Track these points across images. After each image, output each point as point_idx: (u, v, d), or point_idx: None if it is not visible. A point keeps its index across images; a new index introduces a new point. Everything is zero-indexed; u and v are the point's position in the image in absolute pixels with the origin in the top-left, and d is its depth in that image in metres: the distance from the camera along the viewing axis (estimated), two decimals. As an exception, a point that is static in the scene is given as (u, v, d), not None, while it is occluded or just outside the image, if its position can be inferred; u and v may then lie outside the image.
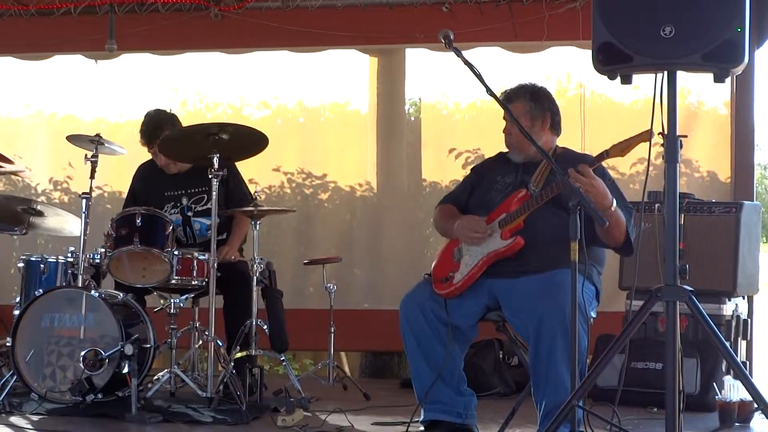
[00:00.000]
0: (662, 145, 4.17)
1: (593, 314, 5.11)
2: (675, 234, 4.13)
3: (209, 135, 6.17)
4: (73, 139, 6.54)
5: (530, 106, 5.38)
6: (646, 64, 4.14)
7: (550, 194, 5.04)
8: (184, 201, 6.91)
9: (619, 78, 4.24)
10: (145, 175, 7.15)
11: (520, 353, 5.66)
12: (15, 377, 6.10)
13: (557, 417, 4.18)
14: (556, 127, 5.48)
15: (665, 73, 4.17)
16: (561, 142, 5.55)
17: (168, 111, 7.17)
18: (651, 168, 4.83)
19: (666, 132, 4.15)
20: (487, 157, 6.03)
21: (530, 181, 5.25)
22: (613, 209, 4.90)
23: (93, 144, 6.39)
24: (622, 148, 4.93)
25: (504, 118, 5.40)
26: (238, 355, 6.33)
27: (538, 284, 5.00)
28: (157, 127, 6.89)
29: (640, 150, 7.86)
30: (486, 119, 8.16)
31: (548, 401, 4.91)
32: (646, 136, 4.75)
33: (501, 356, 7.30)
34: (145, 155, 7.14)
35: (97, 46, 7.98)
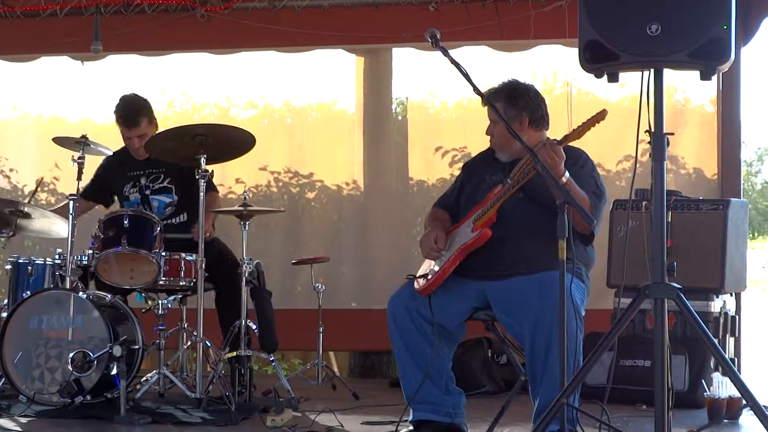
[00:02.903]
0: (649, 142, 4.17)
1: (582, 312, 5.12)
2: (662, 231, 4.14)
3: (196, 136, 6.17)
4: (59, 140, 6.53)
5: (505, 108, 5.33)
6: (633, 62, 4.14)
7: (520, 180, 5.06)
8: (143, 180, 7.00)
9: (605, 76, 4.24)
10: (109, 162, 7.16)
11: (509, 352, 5.66)
12: (3, 379, 6.10)
13: (546, 415, 4.19)
14: (539, 123, 5.43)
15: (652, 70, 4.18)
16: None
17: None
18: (638, 165, 4.82)
19: (653, 130, 4.16)
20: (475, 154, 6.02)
21: (508, 176, 5.26)
22: (564, 179, 4.91)
23: (79, 145, 6.37)
24: (579, 131, 4.94)
25: (490, 118, 5.41)
26: (228, 355, 6.32)
27: (532, 285, 5.01)
28: (137, 111, 6.96)
29: (627, 147, 7.93)
30: (473, 118, 8.13)
31: (542, 399, 4.94)
32: (600, 116, 4.81)
33: (490, 355, 7.30)
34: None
35: (83, 47, 7.95)
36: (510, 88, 5.43)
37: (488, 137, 5.52)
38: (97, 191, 7.18)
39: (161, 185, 6.97)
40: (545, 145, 4.92)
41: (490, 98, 5.20)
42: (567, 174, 4.95)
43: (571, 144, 5.42)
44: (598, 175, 5.37)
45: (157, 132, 6.80)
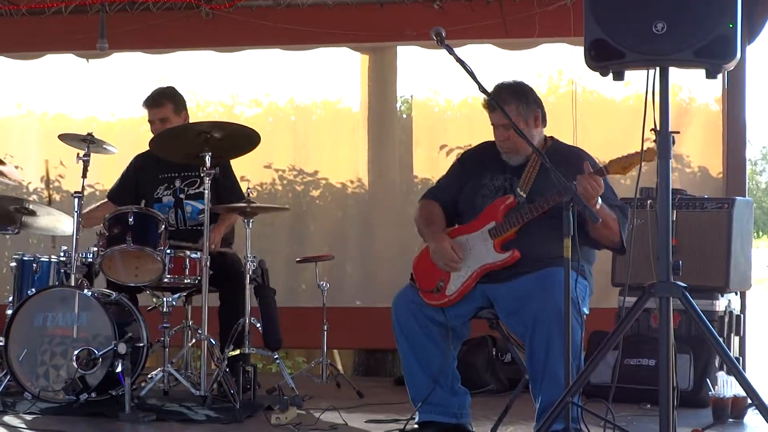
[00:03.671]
0: (654, 141, 4.17)
1: (586, 310, 5.12)
2: (668, 230, 4.13)
3: (201, 133, 6.16)
4: (64, 138, 6.54)
5: (521, 107, 5.28)
6: (639, 60, 4.13)
7: (545, 206, 5.01)
8: (177, 183, 6.95)
9: (611, 74, 4.24)
10: (140, 163, 7.15)
11: (513, 350, 5.66)
12: (8, 377, 6.10)
13: (551, 414, 4.18)
14: (544, 120, 5.43)
15: (657, 69, 4.17)
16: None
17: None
18: (642, 164, 4.81)
19: (659, 128, 4.16)
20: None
21: (517, 185, 5.24)
22: (598, 206, 4.91)
23: (85, 143, 6.39)
24: (623, 166, 4.90)
25: (492, 124, 5.35)
26: (232, 353, 6.33)
27: (532, 283, 5.01)
28: (162, 93, 7.00)
29: (632, 145, 7.91)
30: (478, 116, 8.06)
31: (544, 398, 4.93)
32: (649, 155, 4.57)
33: (494, 353, 7.30)
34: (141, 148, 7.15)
35: (88, 45, 7.95)
36: (516, 88, 5.36)
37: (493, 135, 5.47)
38: (128, 194, 7.08)
39: (197, 190, 6.86)
40: (587, 177, 4.87)
41: (499, 103, 5.13)
42: (599, 200, 4.94)
43: (573, 146, 5.43)
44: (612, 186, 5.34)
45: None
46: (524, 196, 5.19)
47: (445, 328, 5.23)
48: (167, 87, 7.11)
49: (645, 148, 4.61)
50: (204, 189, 6.19)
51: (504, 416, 5.27)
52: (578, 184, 4.80)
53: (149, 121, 6.98)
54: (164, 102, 6.93)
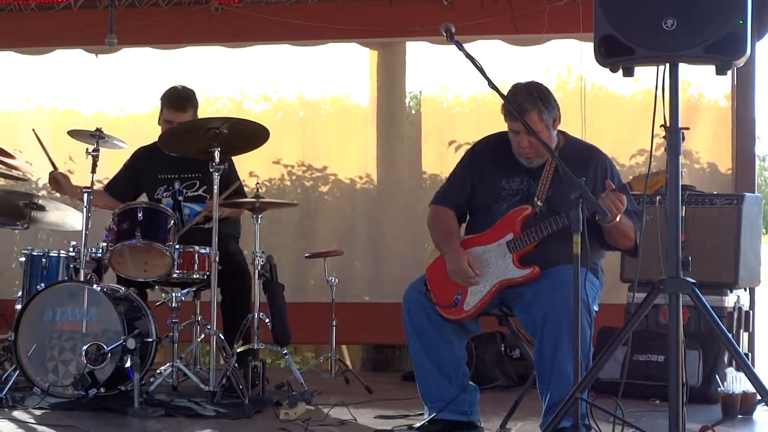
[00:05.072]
0: (664, 137, 4.16)
1: (596, 307, 5.11)
2: (677, 226, 4.12)
3: (210, 129, 6.17)
4: (74, 133, 6.55)
5: (543, 114, 5.16)
6: (648, 56, 4.12)
7: (566, 222, 4.87)
8: (177, 185, 6.95)
9: (621, 71, 4.23)
10: (143, 156, 7.16)
11: (522, 346, 5.65)
12: (17, 372, 6.11)
13: (560, 410, 4.18)
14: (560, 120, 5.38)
15: (667, 65, 4.17)
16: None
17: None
18: (652, 160, 4.80)
19: (668, 124, 4.15)
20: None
21: (535, 193, 5.19)
22: (617, 220, 4.90)
23: (94, 138, 6.39)
24: (649, 185, 4.74)
25: (511, 130, 5.25)
26: (241, 349, 6.33)
27: (543, 281, 5.01)
28: (188, 97, 7.01)
29: (641, 141, 7.92)
30: (487, 112, 8.15)
31: (552, 394, 4.92)
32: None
33: (503, 349, 7.29)
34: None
35: (97, 40, 7.92)
36: (535, 92, 5.20)
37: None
38: (128, 187, 7.12)
39: (196, 193, 6.90)
40: (609, 194, 4.83)
41: (520, 110, 5.03)
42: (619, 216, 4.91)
43: (589, 143, 5.40)
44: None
45: None
46: (541, 205, 5.16)
47: (457, 326, 5.22)
48: (190, 91, 7.10)
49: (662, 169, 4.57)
50: (202, 191, 6.36)
51: (513, 412, 5.27)
52: (602, 201, 4.76)
53: (166, 120, 6.95)
54: (188, 109, 6.94)
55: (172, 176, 6.96)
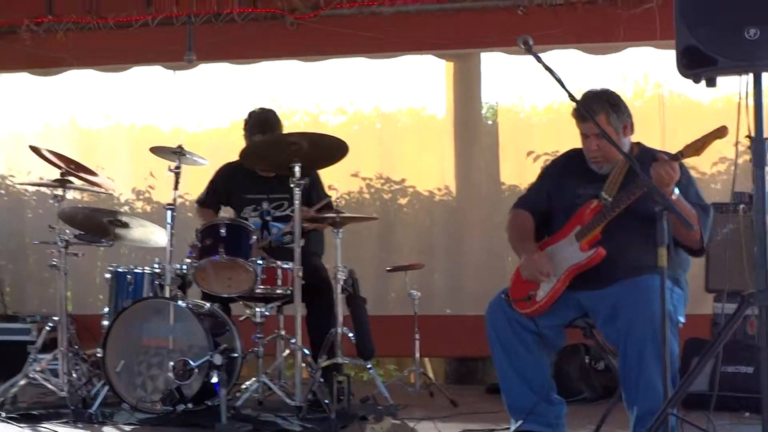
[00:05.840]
0: (749, 147, 4.14)
1: (682, 319, 5.07)
2: (765, 238, 4.09)
3: (291, 144, 6.21)
4: (156, 150, 6.63)
5: (611, 118, 5.21)
6: (731, 66, 4.12)
7: (626, 201, 4.98)
8: (265, 205, 7.01)
9: (703, 81, 4.22)
10: (230, 174, 7.23)
11: (608, 359, 5.62)
12: (107, 388, 6.19)
13: (652, 426, 4.14)
14: (632, 127, 5.36)
15: (751, 75, 4.14)
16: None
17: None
18: (736, 170, 4.78)
19: (753, 134, 4.12)
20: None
21: (602, 189, 5.21)
22: (674, 197, 4.86)
23: (176, 155, 6.47)
24: (697, 147, 4.80)
25: (582, 133, 5.31)
26: (325, 363, 6.37)
27: (626, 290, 4.96)
28: (276, 121, 7.10)
29: (722, 149, 7.83)
30: (564, 121, 8.04)
31: (641, 407, 4.88)
32: (721, 133, 4.66)
33: (587, 361, 7.23)
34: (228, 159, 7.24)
35: (174, 56, 8.04)
36: (606, 97, 5.28)
37: (580, 141, 5.44)
38: (217, 204, 7.27)
39: (284, 213, 6.96)
40: (661, 162, 4.84)
41: (589, 112, 5.09)
42: (677, 191, 4.90)
43: (649, 147, 5.38)
44: (699, 187, 5.30)
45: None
46: (609, 199, 5.15)
47: (539, 336, 5.22)
48: (272, 111, 7.22)
49: (718, 126, 4.61)
50: (290, 211, 6.33)
51: (601, 425, 5.24)
52: (653, 170, 4.78)
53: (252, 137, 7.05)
54: (276, 131, 7.00)
55: (261, 197, 7.03)
